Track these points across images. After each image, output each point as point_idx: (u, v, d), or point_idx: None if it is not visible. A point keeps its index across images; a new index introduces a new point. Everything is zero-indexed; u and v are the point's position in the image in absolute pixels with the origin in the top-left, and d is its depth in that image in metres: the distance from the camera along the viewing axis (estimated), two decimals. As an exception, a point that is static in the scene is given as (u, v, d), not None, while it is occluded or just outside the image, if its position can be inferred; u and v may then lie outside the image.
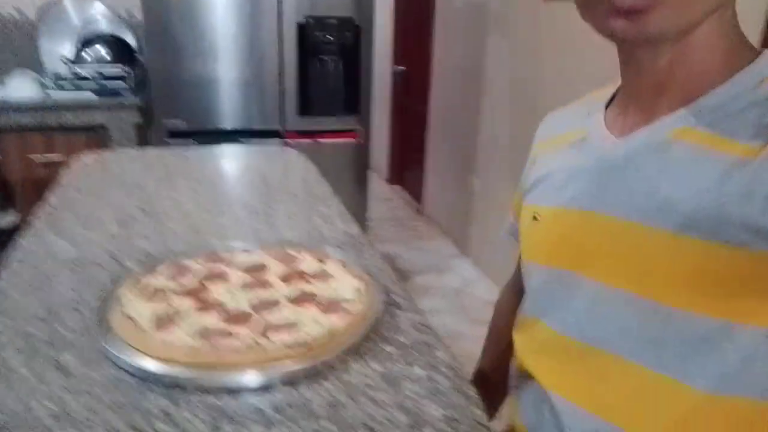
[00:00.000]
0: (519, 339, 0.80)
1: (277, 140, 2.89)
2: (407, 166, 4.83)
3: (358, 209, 3.00)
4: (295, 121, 2.88)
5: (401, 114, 4.82)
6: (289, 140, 2.89)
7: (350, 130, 2.94)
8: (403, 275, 3.40)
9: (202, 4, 2.66)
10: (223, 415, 0.63)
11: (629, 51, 0.66)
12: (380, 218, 4.26)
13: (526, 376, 0.78)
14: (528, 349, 0.78)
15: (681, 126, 0.62)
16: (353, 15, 2.78)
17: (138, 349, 0.73)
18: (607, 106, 0.75)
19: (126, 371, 0.70)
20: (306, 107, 2.88)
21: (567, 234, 0.71)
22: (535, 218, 0.77)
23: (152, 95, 2.79)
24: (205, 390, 0.67)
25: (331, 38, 2.77)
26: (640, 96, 0.67)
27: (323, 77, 2.89)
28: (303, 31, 2.74)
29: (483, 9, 3.26)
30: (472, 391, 0.69)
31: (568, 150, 0.76)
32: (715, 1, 0.57)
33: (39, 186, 2.86)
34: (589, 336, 0.67)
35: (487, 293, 3.19)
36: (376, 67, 3.02)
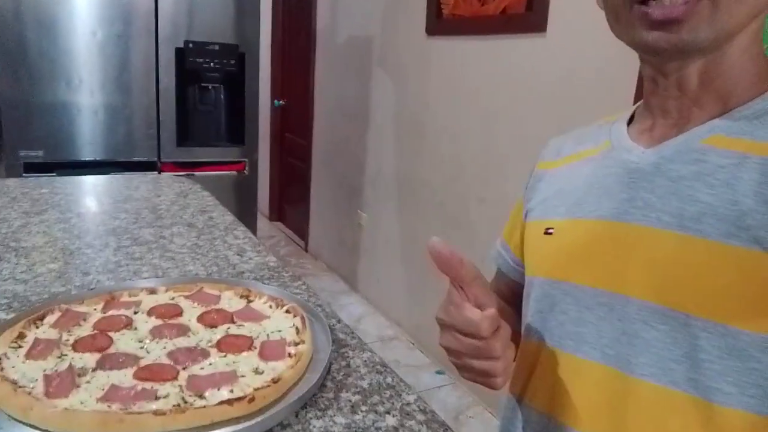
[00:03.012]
0: (519, 365, 0.72)
1: (152, 173, 2.64)
2: (290, 203, 4.68)
3: (245, 246, 2.82)
4: (172, 152, 2.65)
5: (282, 149, 4.68)
6: (165, 172, 2.66)
7: (234, 162, 2.77)
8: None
9: (63, 21, 2.39)
10: (158, 502, 0.48)
11: (660, 64, 0.62)
12: (262, 256, 4.06)
13: (523, 404, 0.70)
14: (526, 376, 0.70)
15: (714, 134, 0.60)
16: (237, 41, 2.64)
17: (28, 424, 0.55)
18: (627, 124, 0.71)
19: (12, 454, 0.52)
20: (185, 137, 2.67)
21: (587, 245, 0.65)
22: (547, 233, 0.70)
23: (2, 122, 2.45)
24: (127, 470, 0.51)
25: (213, 65, 2.61)
26: (669, 110, 0.64)
27: (204, 105, 2.71)
28: (182, 56, 2.55)
29: (366, 44, 3.25)
30: (457, 440, 0.59)
31: (586, 164, 0.71)
32: (750, 11, 0.56)
33: None
34: (610, 354, 0.60)
35: (379, 328, 3.11)
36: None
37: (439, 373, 2.71)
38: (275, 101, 4.57)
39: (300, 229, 4.37)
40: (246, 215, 2.89)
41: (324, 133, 3.92)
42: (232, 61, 2.63)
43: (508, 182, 2.21)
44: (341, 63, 3.59)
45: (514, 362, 0.63)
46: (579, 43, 1.88)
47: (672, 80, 0.62)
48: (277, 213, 4.91)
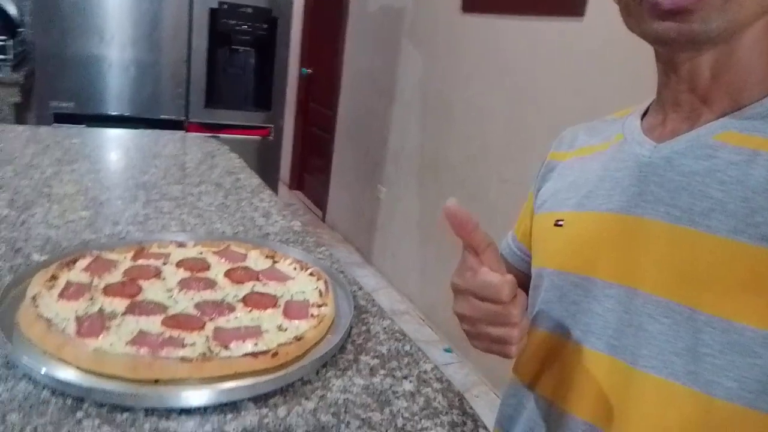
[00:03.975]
0: (526, 352, 0.73)
1: (178, 132, 2.66)
2: (310, 172, 4.70)
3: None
4: (199, 112, 2.67)
5: (306, 118, 4.68)
6: (191, 133, 2.68)
7: (260, 127, 2.78)
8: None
9: (100, -25, 2.40)
10: (183, 443, 0.50)
11: (671, 57, 0.62)
12: (280, 223, 4.09)
13: (527, 389, 0.71)
14: (537, 363, 0.71)
15: (726, 130, 0.59)
16: (270, 5, 2.63)
17: (61, 360, 0.57)
18: (643, 116, 0.71)
19: (46, 388, 0.54)
20: (212, 98, 2.68)
21: (596, 238, 0.65)
22: (557, 224, 0.71)
23: (35, 73, 2.48)
24: (153, 410, 0.53)
25: (246, 27, 2.60)
26: (681, 104, 0.64)
27: (233, 68, 2.72)
28: (215, 17, 2.55)
29: (398, 16, 3.22)
30: (471, 408, 0.61)
31: (599, 157, 0.72)
32: (762, 3, 0.55)
33: None
34: (614, 345, 0.61)
35: (391, 302, 3.13)
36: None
37: (447, 350, 2.73)
38: (303, 69, 4.55)
39: (319, 199, 4.39)
40: (267, 181, 2.89)
41: (349, 105, 3.91)
42: (264, 26, 2.62)
43: (532, 165, 2.20)
44: (371, 34, 3.56)
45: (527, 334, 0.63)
46: (615, 30, 1.85)
47: (683, 73, 0.61)
48: (297, 181, 4.93)
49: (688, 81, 0.62)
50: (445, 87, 2.80)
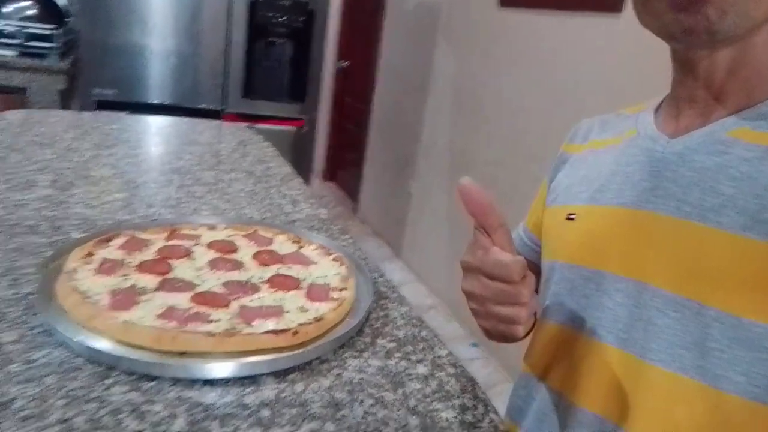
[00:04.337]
0: (537, 345, 0.74)
1: (215, 122, 2.72)
2: (343, 165, 4.73)
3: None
4: (236, 103, 2.73)
5: (341, 111, 4.72)
6: (228, 122, 2.73)
7: (294, 118, 2.82)
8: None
9: (144, -34, 2.47)
10: (204, 411, 0.53)
11: (688, 54, 0.62)
12: (312, 214, 4.14)
13: (538, 381, 0.72)
14: (547, 355, 0.72)
15: (739, 127, 0.60)
16: (308, -1, 2.67)
17: (94, 330, 0.61)
18: (656, 111, 0.72)
19: (80, 356, 0.58)
20: (249, 89, 2.73)
21: (608, 232, 0.66)
22: (569, 218, 0.71)
23: (80, 61, 2.57)
24: (178, 380, 0.56)
25: (283, 20, 2.65)
26: (696, 101, 0.64)
27: (270, 60, 2.76)
28: (254, 9, 2.60)
29: (434, 11, 3.22)
30: (483, 393, 0.62)
31: (611, 151, 0.72)
32: None
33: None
34: (624, 338, 0.62)
35: (419, 296, 3.15)
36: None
37: (474, 345, 2.74)
38: (338, 63, 4.59)
39: (351, 191, 4.42)
40: (300, 171, 2.94)
41: (383, 100, 3.93)
42: (301, 18, 2.66)
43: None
44: (407, 30, 3.57)
45: (534, 317, 0.63)
46: (654, 27, 1.83)
47: (699, 71, 0.61)
48: (330, 173, 4.97)
49: (704, 78, 0.62)
50: (479, 84, 2.80)
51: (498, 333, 0.63)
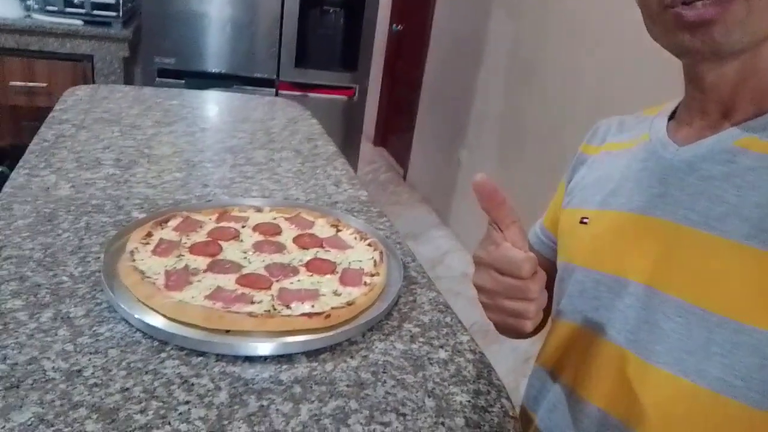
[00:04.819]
0: (551, 342, 0.78)
1: (270, 90, 2.80)
2: (394, 130, 4.76)
3: (347, 169, 2.96)
4: (289, 72, 2.79)
5: (393, 75, 4.72)
6: (282, 91, 2.80)
7: (345, 87, 2.87)
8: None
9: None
10: (244, 385, 0.60)
11: (695, 66, 0.64)
12: (363, 181, 4.20)
13: (553, 378, 0.76)
14: (560, 352, 0.76)
15: (747, 136, 0.61)
16: (362, -34, 2.68)
17: (151, 308, 0.69)
18: (669, 120, 0.73)
19: (138, 330, 0.66)
20: (302, 59, 2.79)
21: (618, 237, 0.69)
22: (582, 222, 0.74)
23: (142, 29, 2.67)
24: (223, 356, 0.64)
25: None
26: (707, 112, 0.66)
27: (323, 28, 2.80)
28: (308, -22, 2.63)
29: (490, -24, 3.17)
30: (498, 380, 0.67)
31: (625, 155, 0.74)
32: None
33: (16, 112, 2.74)
34: (631, 339, 0.65)
35: (463, 265, 3.19)
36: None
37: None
38: (393, 26, 4.57)
39: (401, 157, 4.46)
40: (351, 140, 3.01)
41: (436, 65, 3.92)
42: (355, -14, 2.67)
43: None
44: (463, -5, 3.53)
45: (543, 314, 0.65)
46: None
47: (707, 84, 0.63)
48: (381, 139, 5.02)
49: (712, 91, 0.63)
50: (533, 53, 2.76)
51: (507, 327, 0.66)
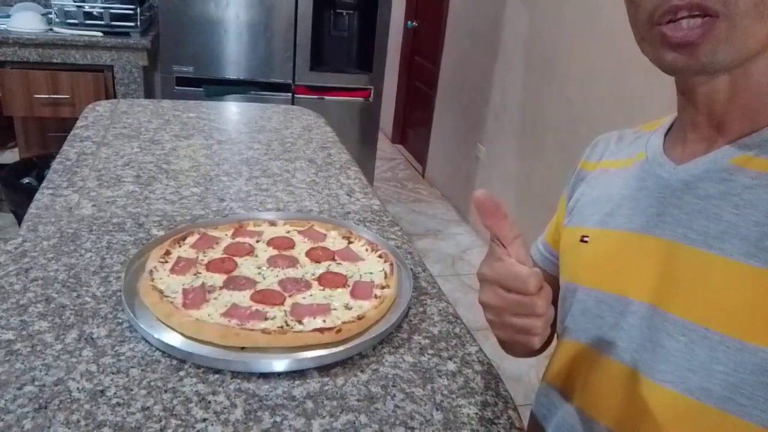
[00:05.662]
0: (557, 360, 0.78)
1: (286, 94, 2.83)
2: (412, 127, 4.77)
3: (365, 171, 2.98)
4: (305, 75, 2.81)
5: (410, 71, 4.73)
6: (298, 95, 2.84)
7: (361, 89, 2.89)
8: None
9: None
10: (259, 402, 0.63)
11: (686, 83, 0.64)
12: (382, 178, 4.23)
13: (562, 396, 0.77)
14: (564, 370, 0.76)
15: (742, 154, 0.61)
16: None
17: (170, 327, 0.72)
18: (665, 134, 0.73)
19: (158, 349, 0.69)
20: (318, 62, 2.81)
21: (619, 256, 0.69)
22: (582, 240, 0.75)
23: (161, 38, 2.72)
24: (239, 373, 0.67)
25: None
26: (699, 126, 0.66)
27: (337, 31, 2.82)
28: (322, -19, 2.65)
29: (505, -30, 3.16)
30: (505, 391, 0.69)
31: (622, 173, 0.75)
32: None
33: (41, 123, 2.81)
34: (636, 358, 0.65)
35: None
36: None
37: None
38: (408, 22, 4.58)
39: (419, 154, 4.47)
40: (369, 140, 3.03)
41: (452, 60, 3.92)
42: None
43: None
44: (477, -11, 3.52)
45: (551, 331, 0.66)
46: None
47: (699, 97, 0.63)
48: (400, 135, 5.03)
49: (704, 105, 0.63)
50: (550, 46, 2.75)
51: (515, 344, 0.66)
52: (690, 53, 0.57)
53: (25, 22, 2.67)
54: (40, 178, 2.63)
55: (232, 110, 1.77)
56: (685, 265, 0.62)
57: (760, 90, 0.60)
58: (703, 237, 0.61)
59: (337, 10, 2.77)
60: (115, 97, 2.76)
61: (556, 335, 0.80)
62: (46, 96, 2.67)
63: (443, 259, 3.21)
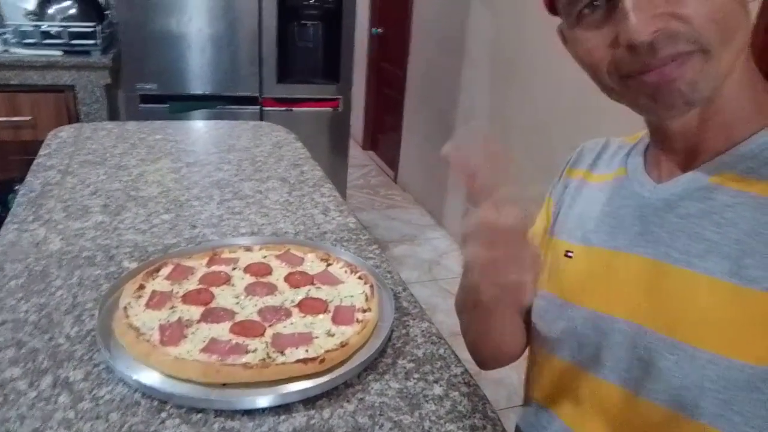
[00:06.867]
0: (544, 378, 0.78)
1: (254, 107, 2.80)
2: (383, 133, 4.77)
3: (338, 181, 2.96)
4: (272, 88, 2.79)
5: (378, 78, 4.72)
6: (266, 108, 2.81)
7: (329, 99, 2.87)
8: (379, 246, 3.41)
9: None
10: (244, 442, 0.61)
11: (659, 122, 0.65)
12: (355, 186, 4.22)
13: (550, 416, 0.76)
14: (552, 389, 0.76)
15: (721, 172, 0.62)
16: (337, -22, 2.68)
17: (148, 366, 0.70)
18: (645, 150, 0.74)
19: (136, 390, 0.67)
20: (285, 74, 2.79)
21: (604, 275, 0.69)
22: (567, 255, 0.75)
23: (122, 55, 2.67)
24: (222, 411, 0.65)
25: (313, 2, 2.67)
26: (674, 152, 0.67)
27: (303, 42, 2.80)
28: (285, -7, 2.63)
29: (467, -27, 3.18)
30: (493, 412, 0.69)
31: (604, 188, 0.75)
32: (737, 48, 0.57)
33: (2, 147, 2.74)
34: (625, 377, 0.65)
35: (460, 266, 3.21)
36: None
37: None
38: (373, 29, 4.58)
39: (391, 160, 4.47)
40: (339, 149, 3.02)
41: (419, 65, 3.93)
42: (332, -1, 2.67)
43: (600, 134, 2.18)
44: (440, -7, 3.53)
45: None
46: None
47: (673, 130, 0.64)
48: (371, 142, 5.02)
49: (678, 134, 0.64)
50: (515, 48, 2.78)
51: (500, 301, 0.65)
52: (672, 90, 0.57)
53: (-21, 44, 2.60)
54: (4, 203, 2.56)
55: (200, 129, 1.74)
56: (668, 284, 0.62)
57: (732, 106, 0.61)
58: (686, 256, 0.61)
59: (302, 21, 2.75)
60: (78, 118, 2.69)
61: (542, 352, 0.79)
62: (6, 119, 2.60)
63: (420, 264, 3.21)
